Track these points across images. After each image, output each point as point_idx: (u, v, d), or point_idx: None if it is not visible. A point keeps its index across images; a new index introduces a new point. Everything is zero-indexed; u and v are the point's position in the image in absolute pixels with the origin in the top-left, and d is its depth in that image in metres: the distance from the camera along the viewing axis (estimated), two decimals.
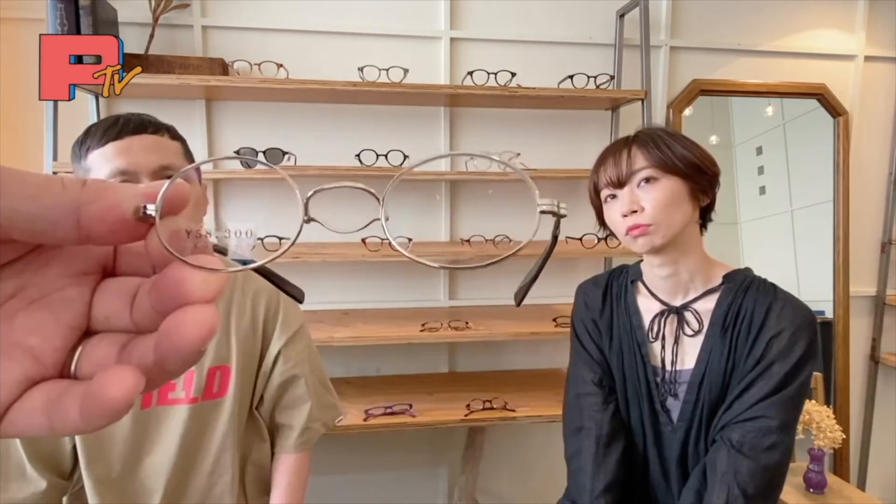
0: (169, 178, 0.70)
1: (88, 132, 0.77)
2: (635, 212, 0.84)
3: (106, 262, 0.22)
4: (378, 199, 0.23)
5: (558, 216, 0.23)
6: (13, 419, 0.19)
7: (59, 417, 0.19)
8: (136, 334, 0.21)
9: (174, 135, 0.82)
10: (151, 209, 0.20)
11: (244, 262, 0.20)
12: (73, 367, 0.21)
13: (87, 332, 0.22)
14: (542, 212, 0.23)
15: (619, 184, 0.86)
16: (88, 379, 0.20)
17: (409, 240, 1.48)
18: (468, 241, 1.62)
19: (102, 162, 0.74)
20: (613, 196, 0.88)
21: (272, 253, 0.23)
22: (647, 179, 0.84)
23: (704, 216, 0.91)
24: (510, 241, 1.60)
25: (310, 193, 0.23)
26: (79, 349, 0.21)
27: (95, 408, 0.18)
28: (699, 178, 0.85)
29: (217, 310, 0.20)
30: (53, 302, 0.21)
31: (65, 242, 0.20)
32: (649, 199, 0.84)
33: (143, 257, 0.22)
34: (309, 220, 0.23)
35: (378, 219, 0.23)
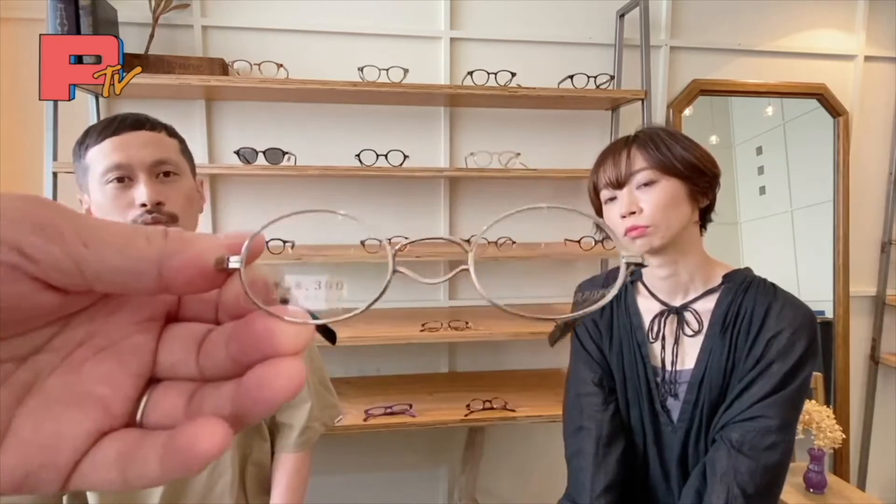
0: (166, 174, 0.70)
1: (88, 132, 0.78)
2: (634, 213, 0.84)
3: (171, 307, 0.22)
4: (466, 250, 0.23)
5: (642, 266, 0.23)
6: (85, 473, 0.19)
7: (135, 471, 0.18)
8: (201, 382, 0.21)
9: (171, 133, 0.82)
10: (233, 261, 0.20)
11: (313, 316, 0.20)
12: (139, 417, 0.20)
13: (151, 380, 0.21)
14: (629, 264, 0.23)
15: (619, 185, 0.86)
16: (156, 429, 0.19)
17: (406, 239, 1.48)
18: (468, 241, 1.62)
19: (100, 157, 0.75)
20: (613, 198, 0.88)
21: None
22: (647, 182, 0.84)
23: (704, 216, 0.91)
24: (513, 242, 1.60)
25: (397, 247, 0.23)
26: (145, 398, 0.21)
27: (182, 461, 0.18)
28: (699, 179, 0.85)
29: (304, 363, 0.19)
30: (121, 350, 0.20)
31: (144, 293, 0.19)
32: (648, 200, 0.84)
33: (206, 303, 0.22)
34: (396, 271, 0.22)
35: (466, 268, 0.23)
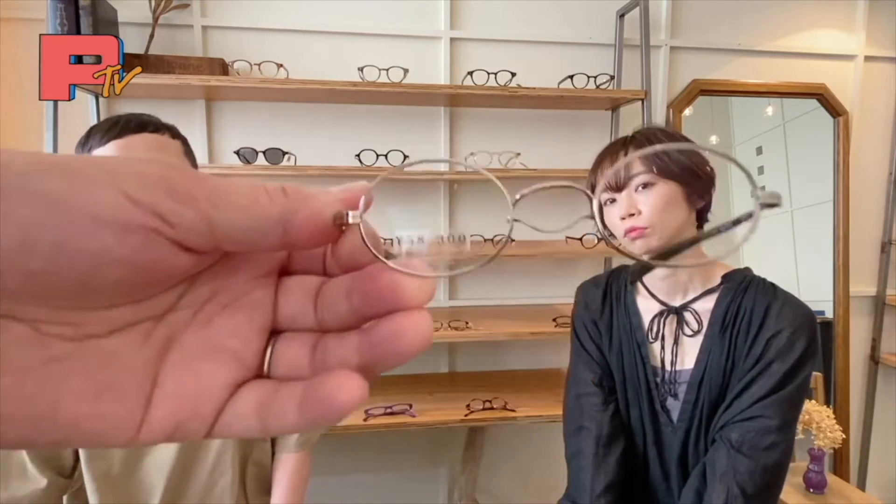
0: None
1: (90, 133, 0.77)
2: (633, 215, 0.85)
3: (283, 262, 0.23)
4: (589, 196, 0.23)
5: (776, 206, 0.21)
6: (227, 421, 0.20)
7: (274, 419, 0.19)
8: (320, 333, 0.21)
9: (174, 134, 0.82)
10: (351, 215, 0.20)
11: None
12: (265, 368, 0.21)
13: (273, 332, 0.22)
14: (764, 205, 0.20)
15: (618, 188, 0.87)
16: (283, 379, 0.20)
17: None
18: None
19: None
20: (613, 199, 0.89)
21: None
22: (645, 184, 0.85)
23: (701, 217, 0.91)
24: (512, 241, 1.59)
25: (518, 196, 0.23)
26: (269, 350, 0.21)
27: (322, 410, 0.19)
28: (695, 181, 0.86)
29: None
30: (245, 304, 0.21)
31: (269, 250, 0.20)
32: (646, 202, 0.85)
33: (314, 256, 0.22)
34: (515, 220, 0.23)
35: (589, 216, 0.23)
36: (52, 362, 0.17)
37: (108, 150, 0.75)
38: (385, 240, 0.21)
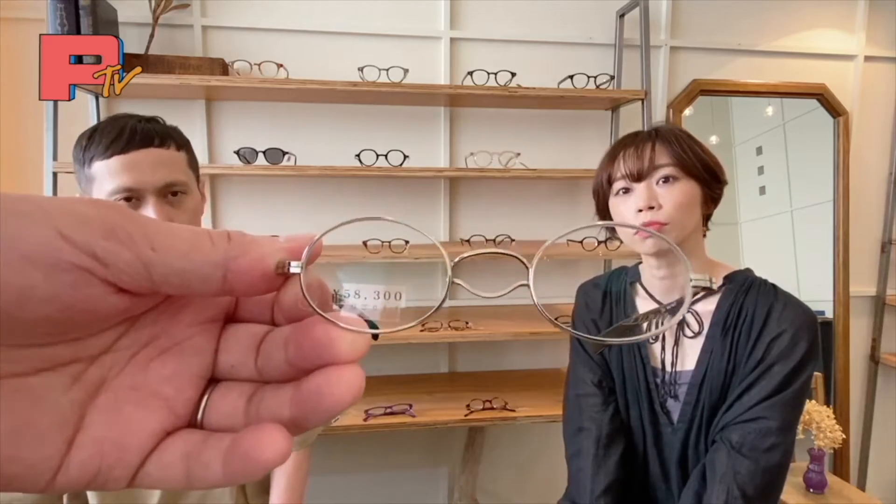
0: (174, 194, 0.70)
1: (92, 137, 0.75)
2: (652, 208, 0.83)
3: (229, 308, 0.22)
4: (525, 265, 0.23)
5: (710, 290, 0.24)
6: (150, 471, 0.19)
7: (198, 472, 0.19)
8: (259, 383, 0.21)
9: (179, 143, 0.80)
10: (294, 265, 0.20)
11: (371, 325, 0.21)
12: (199, 417, 0.21)
13: (210, 380, 0.22)
14: (695, 286, 0.23)
15: (639, 177, 0.84)
16: (216, 430, 0.20)
17: (406, 242, 1.48)
18: (468, 241, 1.62)
19: (107, 175, 0.73)
20: (627, 190, 0.86)
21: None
22: (668, 178, 0.83)
23: (705, 223, 0.91)
24: (512, 240, 1.60)
25: (456, 259, 0.23)
26: (205, 398, 0.21)
27: (245, 466, 0.18)
28: (713, 184, 0.86)
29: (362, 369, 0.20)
30: (184, 351, 0.21)
31: (208, 295, 0.20)
32: (668, 197, 0.82)
33: (262, 304, 0.22)
34: (452, 282, 0.23)
35: (525, 284, 0.23)
36: None
37: (111, 164, 0.73)
38: (335, 292, 0.21)
